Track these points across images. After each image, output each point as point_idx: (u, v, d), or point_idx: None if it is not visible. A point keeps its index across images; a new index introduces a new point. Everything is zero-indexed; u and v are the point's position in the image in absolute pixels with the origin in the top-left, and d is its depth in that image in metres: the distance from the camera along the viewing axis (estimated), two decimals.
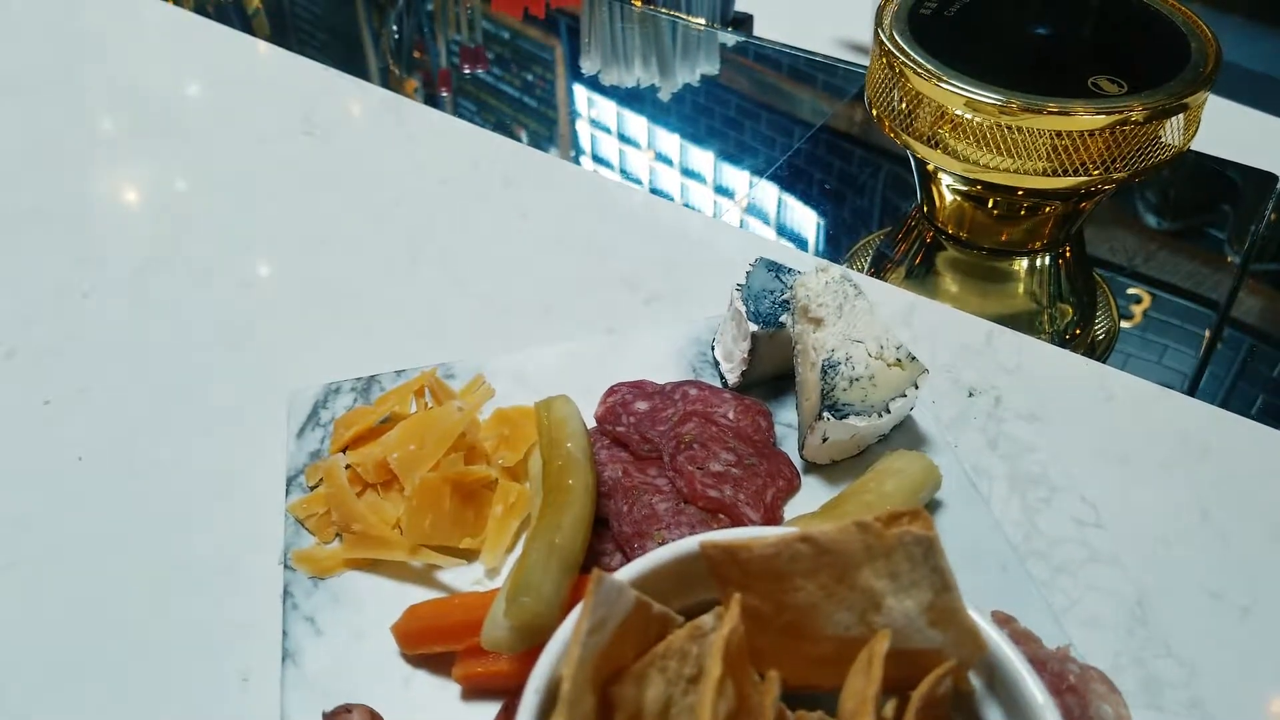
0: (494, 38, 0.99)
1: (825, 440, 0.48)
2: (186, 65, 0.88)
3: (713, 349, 0.56)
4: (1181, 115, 0.57)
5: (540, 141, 0.85)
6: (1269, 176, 0.76)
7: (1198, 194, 0.79)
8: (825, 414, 0.47)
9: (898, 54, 0.60)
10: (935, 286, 0.68)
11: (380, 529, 0.46)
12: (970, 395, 0.55)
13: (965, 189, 0.65)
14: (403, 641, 0.42)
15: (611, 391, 0.52)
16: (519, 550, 0.43)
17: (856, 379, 0.47)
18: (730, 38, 0.97)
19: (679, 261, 0.64)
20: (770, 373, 0.53)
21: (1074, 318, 0.66)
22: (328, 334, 0.60)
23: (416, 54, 0.97)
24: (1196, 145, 0.61)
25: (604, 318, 0.60)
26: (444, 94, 0.91)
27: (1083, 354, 0.59)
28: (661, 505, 0.46)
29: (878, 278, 0.66)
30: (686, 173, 0.81)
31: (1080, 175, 0.57)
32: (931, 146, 0.60)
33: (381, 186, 0.72)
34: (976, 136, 0.58)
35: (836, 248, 0.73)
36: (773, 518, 0.47)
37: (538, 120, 0.88)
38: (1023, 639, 0.39)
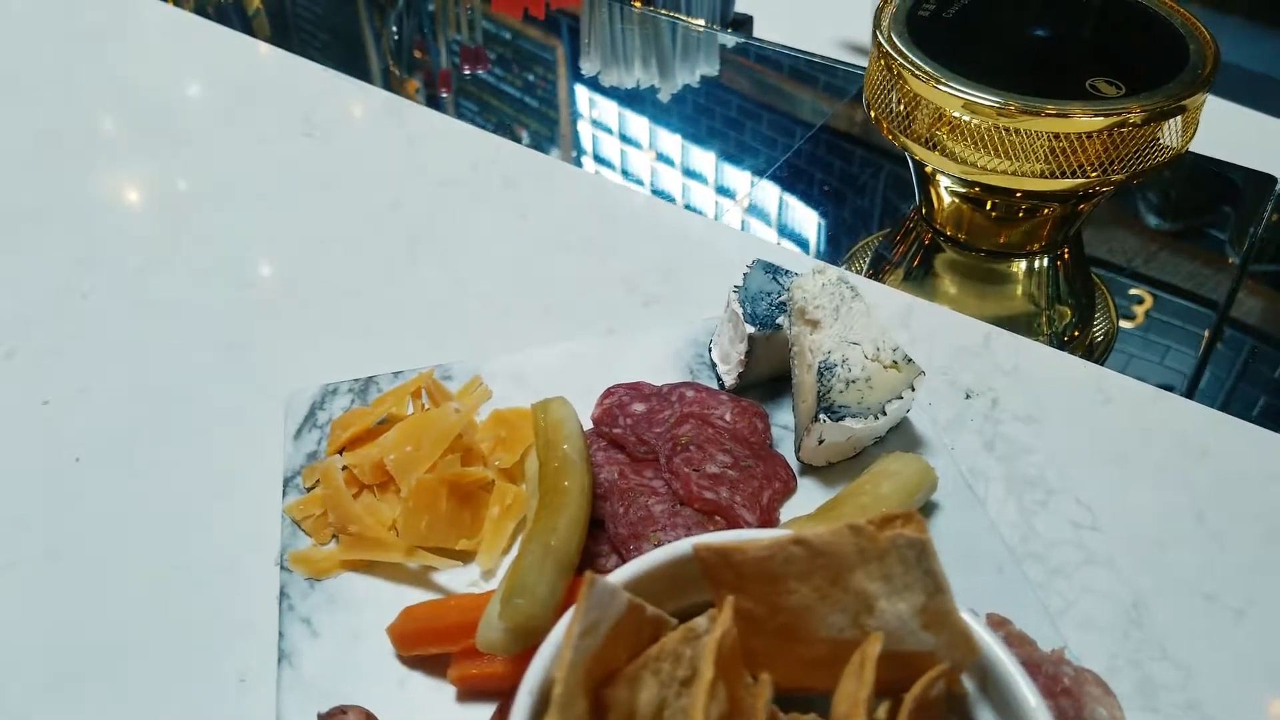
0: (494, 38, 0.99)
1: (821, 442, 0.48)
2: (187, 66, 0.88)
3: (710, 351, 0.56)
4: (1180, 117, 0.57)
5: (540, 142, 0.85)
6: (1268, 178, 0.76)
7: (1197, 195, 0.79)
8: (822, 416, 0.47)
9: (896, 56, 0.60)
10: (934, 288, 0.68)
11: (376, 530, 0.46)
12: (967, 397, 0.55)
13: (963, 191, 0.65)
14: (398, 643, 0.42)
15: (608, 393, 0.52)
16: (515, 552, 0.43)
17: (853, 381, 0.47)
18: (730, 39, 0.97)
19: (678, 263, 0.64)
20: (767, 375, 0.53)
21: (1073, 319, 0.66)
22: (327, 335, 0.60)
23: (417, 55, 0.97)
24: (1196, 146, 0.61)
25: (603, 319, 0.60)
26: (444, 95, 0.91)
27: (1081, 356, 0.59)
28: (657, 507, 0.46)
29: (876, 279, 0.66)
30: (687, 173, 0.81)
31: (1078, 177, 0.57)
32: (929, 148, 0.60)
33: (381, 187, 0.72)
34: (974, 138, 0.58)
35: (836, 249, 0.73)
36: (768, 520, 0.47)
37: (538, 121, 0.88)
38: (1018, 641, 0.39)
